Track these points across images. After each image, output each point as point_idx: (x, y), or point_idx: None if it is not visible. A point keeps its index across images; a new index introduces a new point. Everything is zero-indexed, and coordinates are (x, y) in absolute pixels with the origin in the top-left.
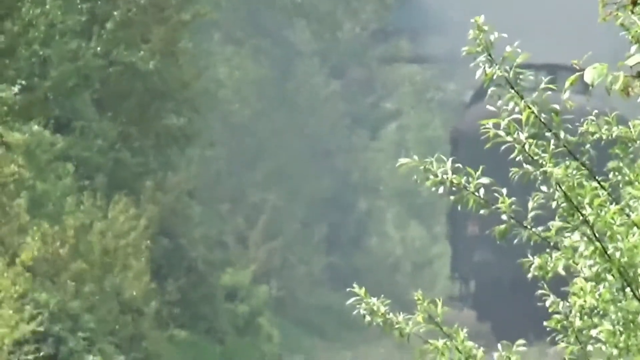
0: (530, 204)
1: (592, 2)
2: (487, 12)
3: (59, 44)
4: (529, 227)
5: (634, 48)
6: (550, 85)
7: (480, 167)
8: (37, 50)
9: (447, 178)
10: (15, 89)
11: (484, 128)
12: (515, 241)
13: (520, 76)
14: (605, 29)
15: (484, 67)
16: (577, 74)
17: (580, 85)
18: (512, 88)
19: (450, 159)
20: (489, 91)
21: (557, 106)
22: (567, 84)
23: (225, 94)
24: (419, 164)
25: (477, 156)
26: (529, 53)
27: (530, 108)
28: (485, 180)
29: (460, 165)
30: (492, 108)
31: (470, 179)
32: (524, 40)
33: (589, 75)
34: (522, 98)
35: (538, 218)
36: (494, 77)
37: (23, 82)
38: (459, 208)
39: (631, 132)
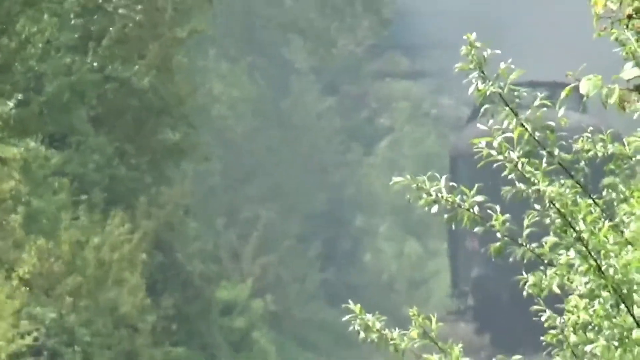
0: (526, 222)
1: (590, 20)
2: (483, 30)
3: (55, 60)
4: (523, 244)
5: (629, 65)
6: (545, 102)
7: (476, 186)
8: (32, 66)
9: (442, 197)
10: (11, 103)
11: (477, 148)
12: (511, 259)
13: (515, 93)
14: (602, 48)
15: (477, 84)
16: (572, 84)
17: (575, 102)
18: (507, 105)
19: (444, 177)
20: (483, 108)
21: (552, 123)
22: (563, 94)
23: (221, 110)
24: (412, 182)
25: (477, 174)
26: (524, 70)
27: (523, 126)
28: (479, 198)
29: (459, 184)
30: (483, 127)
31: (465, 197)
32: (521, 58)
33: (584, 87)
34: (516, 115)
35: (534, 235)
36: (488, 93)
37: (20, 97)
38: (453, 226)
39: (626, 149)
